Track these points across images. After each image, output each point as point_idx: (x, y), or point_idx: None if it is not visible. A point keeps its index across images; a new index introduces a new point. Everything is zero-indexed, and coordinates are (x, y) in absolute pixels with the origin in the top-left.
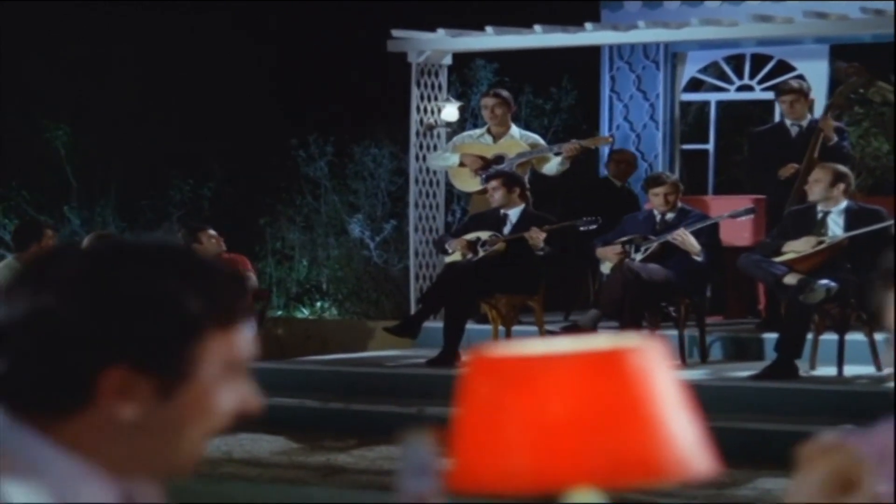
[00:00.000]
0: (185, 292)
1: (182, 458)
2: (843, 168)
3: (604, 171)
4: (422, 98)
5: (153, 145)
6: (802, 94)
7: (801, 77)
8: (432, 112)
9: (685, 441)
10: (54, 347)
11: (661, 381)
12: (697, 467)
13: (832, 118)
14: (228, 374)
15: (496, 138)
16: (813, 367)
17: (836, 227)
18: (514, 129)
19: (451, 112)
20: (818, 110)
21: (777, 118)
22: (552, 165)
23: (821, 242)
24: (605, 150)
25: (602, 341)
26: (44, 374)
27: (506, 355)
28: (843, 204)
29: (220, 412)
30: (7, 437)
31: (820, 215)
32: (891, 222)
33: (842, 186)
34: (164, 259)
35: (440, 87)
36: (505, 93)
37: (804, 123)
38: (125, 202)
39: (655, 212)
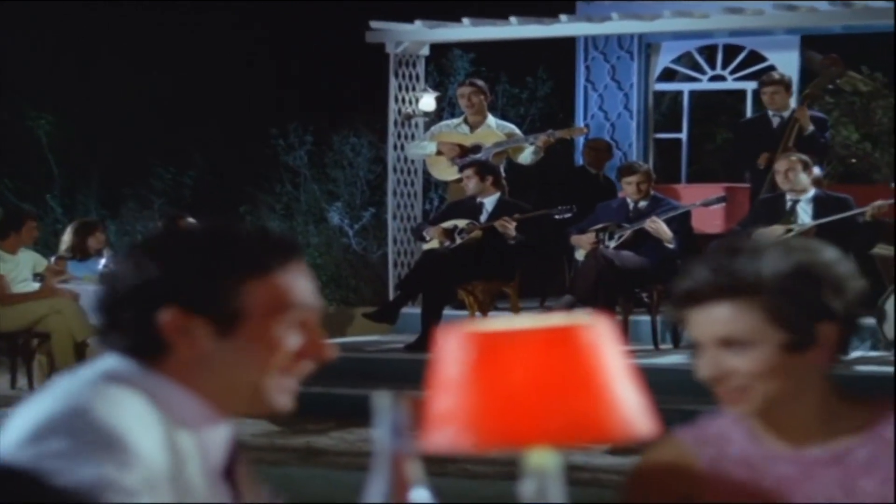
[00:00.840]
0: (219, 247)
1: (251, 394)
2: (804, 157)
3: (580, 160)
4: (400, 88)
5: (135, 134)
6: (784, 86)
7: (772, 67)
8: (410, 102)
9: (629, 406)
10: (125, 300)
11: (609, 353)
12: (640, 429)
13: (807, 108)
14: (281, 315)
15: (473, 128)
16: None
17: (804, 214)
18: (491, 119)
19: (428, 102)
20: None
21: (749, 108)
22: (527, 155)
23: (789, 230)
24: (581, 140)
25: (558, 319)
26: (123, 325)
27: (475, 331)
28: (812, 192)
29: (280, 349)
30: (132, 375)
31: (789, 204)
32: (858, 211)
33: (806, 175)
34: (204, 228)
35: (418, 78)
36: (481, 82)
37: (785, 114)
38: (107, 190)
39: (628, 200)
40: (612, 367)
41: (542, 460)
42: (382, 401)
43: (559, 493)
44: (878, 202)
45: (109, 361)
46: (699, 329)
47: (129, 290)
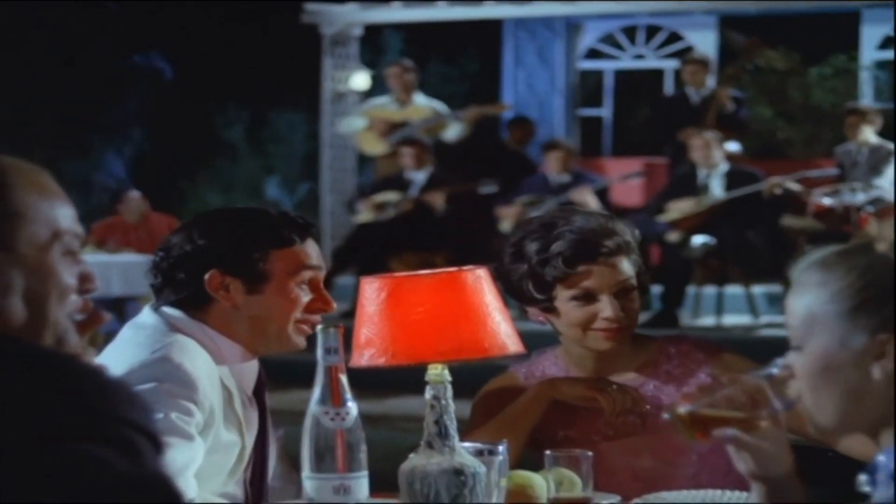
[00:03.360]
0: (252, 225)
1: (275, 337)
2: (718, 134)
3: (504, 136)
4: (333, 67)
5: (75, 110)
6: (704, 65)
7: (690, 47)
8: (343, 80)
9: (502, 330)
10: (178, 265)
11: (487, 292)
12: (510, 348)
13: (727, 87)
14: (297, 277)
15: (401, 105)
16: (696, 316)
17: (717, 188)
18: (419, 97)
19: (361, 80)
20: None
21: (669, 85)
22: (453, 131)
23: (701, 202)
24: (507, 117)
25: (448, 268)
26: (177, 283)
27: (386, 277)
28: (725, 167)
29: (296, 303)
30: (190, 326)
31: (702, 178)
32: (759, 185)
33: (719, 151)
34: (242, 210)
35: (351, 57)
36: (408, 62)
37: (703, 92)
38: (48, 165)
39: (551, 174)
40: (489, 302)
41: (438, 373)
42: (321, 330)
43: (450, 398)
44: (774, 179)
45: (165, 312)
46: (602, 279)
47: (183, 255)
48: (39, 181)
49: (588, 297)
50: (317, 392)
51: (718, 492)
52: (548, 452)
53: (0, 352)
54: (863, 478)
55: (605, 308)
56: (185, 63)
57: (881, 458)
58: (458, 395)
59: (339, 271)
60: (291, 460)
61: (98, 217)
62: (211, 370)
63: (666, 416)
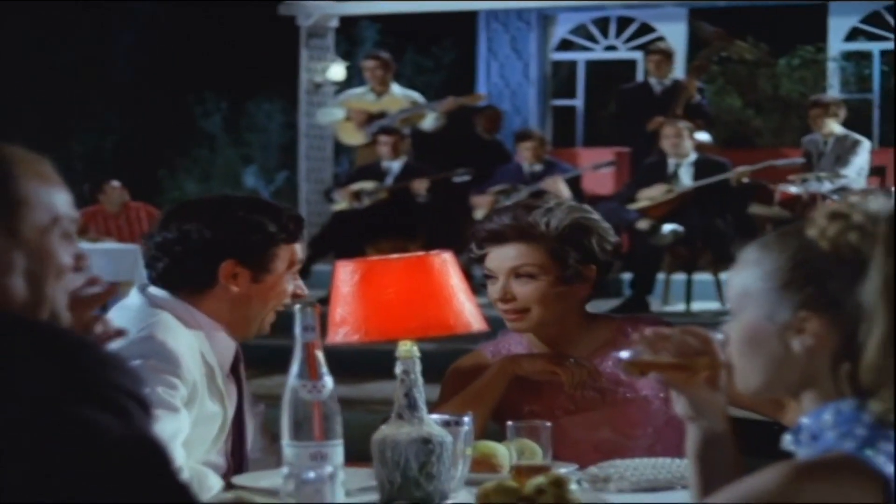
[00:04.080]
0: (266, 220)
1: (258, 323)
2: (689, 124)
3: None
4: (310, 59)
5: (57, 100)
6: (667, 56)
7: (661, 38)
8: (320, 71)
9: (466, 310)
10: (194, 251)
11: (452, 275)
12: (473, 326)
13: (695, 78)
14: (292, 270)
15: (379, 96)
16: (666, 302)
17: (686, 177)
18: (396, 88)
19: (337, 71)
20: (677, 68)
21: (640, 76)
22: (429, 121)
23: (671, 191)
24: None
25: (418, 252)
26: (189, 268)
27: (359, 261)
28: (693, 157)
29: (285, 295)
30: (174, 306)
31: (672, 167)
32: (727, 174)
33: (689, 141)
34: (253, 201)
35: (327, 49)
36: (385, 54)
37: (667, 82)
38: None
39: (524, 164)
40: (454, 284)
41: (407, 349)
42: (298, 309)
43: (419, 372)
44: (740, 168)
45: (150, 293)
46: (497, 262)
47: (202, 243)
48: (41, 170)
49: (492, 279)
50: (295, 367)
51: (668, 460)
52: (510, 423)
53: (4, 328)
54: (788, 438)
55: (495, 290)
56: (165, 54)
57: (804, 421)
58: (430, 379)
59: (316, 258)
60: (272, 436)
61: (79, 206)
62: (193, 347)
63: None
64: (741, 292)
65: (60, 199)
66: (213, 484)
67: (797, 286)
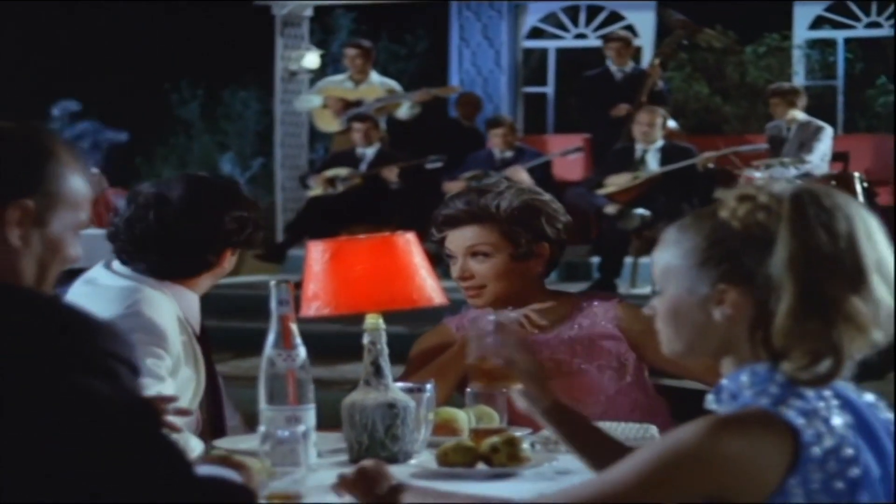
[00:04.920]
0: (252, 210)
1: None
2: (664, 111)
3: (453, 113)
4: (285, 47)
5: (32, 86)
6: (627, 43)
7: (630, 27)
8: (295, 60)
9: (427, 285)
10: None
11: (414, 253)
12: (436, 300)
13: (659, 66)
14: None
15: (357, 84)
16: (633, 285)
17: (653, 162)
18: (374, 76)
19: (312, 59)
20: (646, 56)
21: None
22: (405, 110)
23: (637, 177)
24: (454, 94)
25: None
26: (189, 254)
27: (330, 241)
28: (660, 143)
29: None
30: (143, 278)
31: (639, 153)
32: (692, 160)
33: (664, 128)
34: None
35: (302, 37)
36: (366, 43)
37: (627, 69)
38: None
39: (495, 150)
40: (417, 261)
41: (374, 321)
42: (274, 285)
43: (384, 343)
44: (706, 153)
45: (119, 269)
46: (454, 243)
47: (206, 232)
48: (79, 165)
49: (452, 258)
50: (271, 338)
51: (615, 423)
52: (469, 390)
53: (9, 300)
54: (710, 398)
55: (455, 269)
56: (141, 43)
57: (724, 382)
58: (398, 361)
59: (292, 243)
60: (245, 417)
61: None
62: (174, 318)
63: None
64: (664, 270)
65: (86, 197)
66: (194, 446)
67: (714, 262)
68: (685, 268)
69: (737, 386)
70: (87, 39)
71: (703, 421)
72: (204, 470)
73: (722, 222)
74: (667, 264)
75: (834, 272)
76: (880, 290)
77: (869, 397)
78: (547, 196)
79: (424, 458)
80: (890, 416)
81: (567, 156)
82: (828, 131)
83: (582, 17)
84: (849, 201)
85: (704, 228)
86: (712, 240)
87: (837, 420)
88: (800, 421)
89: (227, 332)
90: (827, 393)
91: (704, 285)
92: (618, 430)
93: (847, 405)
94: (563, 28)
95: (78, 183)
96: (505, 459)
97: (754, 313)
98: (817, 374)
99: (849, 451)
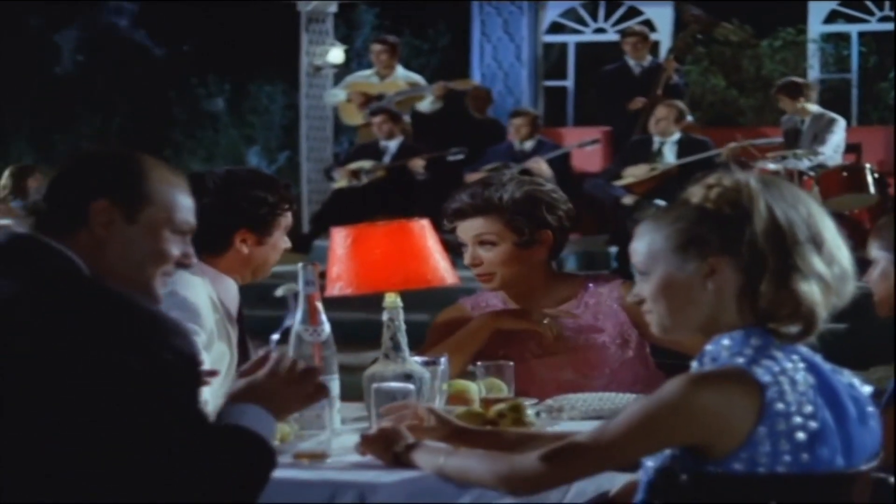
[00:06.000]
0: (280, 192)
1: (260, 274)
2: (682, 105)
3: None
4: (310, 42)
5: (63, 84)
6: (644, 38)
7: (648, 21)
8: (320, 55)
9: (441, 267)
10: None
11: (429, 237)
12: (448, 280)
13: (674, 60)
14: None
15: (382, 78)
16: None
17: (669, 155)
18: (399, 70)
19: (336, 55)
20: (664, 50)
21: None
22: (426, 103)
23: (654, 168)
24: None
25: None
26: (213, 236)
27: (352, 227)
28: (677, 136)
29: (280, 252)
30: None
31: (656, 145)
32: (715, 152)
33: (681, 122)
34: (254, 173)
35: (327, 33)
36: (392, 39)
37: (645, 63)
38: (38, 136)
39: (515, 142)
40: (431, 245)
41: (392, 300)
42: (301, 267)
43: (402, 319)
44: (732, 144)
45: None
46: (464, 233)
47: (218, 216)
48: (170, 177)
49: (464, 247)
50: (298, 315)
51: (614, 394)
52: (479, 364)
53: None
54: (694, 364)
55: (466, 257)
56: (170, 39)
57: (708, 347)
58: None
59: (317, 234)
60: None
61: None
62: (206, 298)
63: None
64: (647, 255)
65: (180, 204)
66: None
67: (699, 240)
68: (670, 249)
69: (718, 350)
70: (115, 36)
71: (682, 377)
72: (234, 411)
73: (696, 206)
74: (650, 250)
75: (803, 239)
76: (840, 255)
77: (831, 366)
78: (548, 186)
79: None
80: (852, 380)
81: (584, 147)
82: (841, 123)
83: (601, 13)
84: (800, 190)
85: (680, 215)
86: (692, 221)
87: (801, 380)
88: (766, 378)
89: (257, 321)
90: (795, 357)
91: (694, 261)
92: (616, 399)
93: (812, 368)
94: (583, 23)
95: (166, 188)
96: (510, 423)
97: (741, 282)
98: (799, 331)
99: (808, 408)
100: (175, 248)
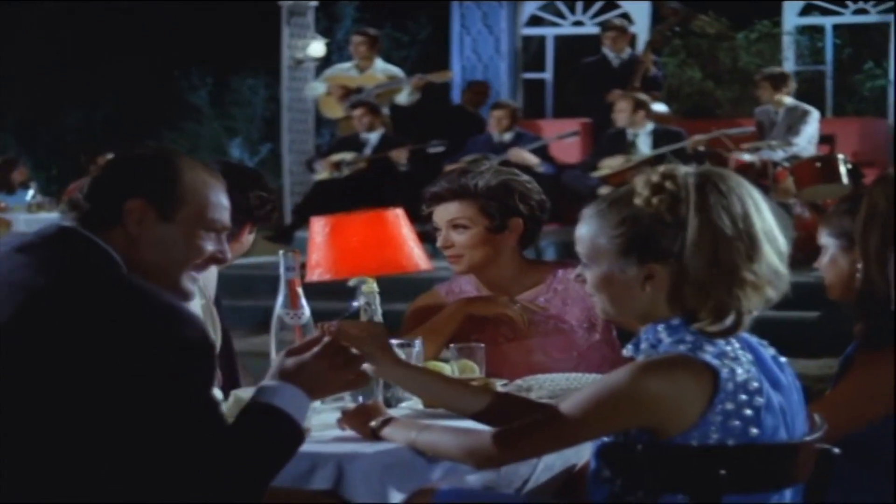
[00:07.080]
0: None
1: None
2: (642, 96)
3: (455, 100)
4: (292, 36)
5: (47, 77)
6: (623, 31)
7: (625, 14)
8: (301, 48)
9: (414, 253)
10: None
11: (404, 226)
12: (422, 266)
13: (651, 52)
14: None
15: (361, 71)
16: None
17: (644, 146)
18: (379, 63)
19: (317, 48)
20: (641, 43)
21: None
22: (404, 96)
23: (629, 160)
24: (458, 81)
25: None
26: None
27: (330, 216)
28: (650, 127)
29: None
30: None
31: (630, 137)
32: (688, 141)
33: (642, 112)
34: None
35: (308, 26)
36: (372, 31)
37: (624, 56)
38: (23, 128)
39: (494, 134)
40: (405, 233)
41: (368, 284)
42: (282, 253)
43: (378, 304)
44: (696, 136)
45: None
46: (439, 217)
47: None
48: (206, 178)
49: (438, 231)
50: (280, 299)
51: (580, 374)
52: (452, 346)
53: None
54: (629, 347)
55: (439, 239)
56: (152, 32)
57: (643, 334)
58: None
59: (299, 225)
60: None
61: (72, 178)
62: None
63: None
64: (591, 248)
65: (214, 203)
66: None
67: (637, 248)
68: (613, 252)
69: (655, 336)
70: (97, 30)
71: (632, 365)
72: (269, 390)
73: (637, 211)
74: (594, 243)
75: (733, 246)
76: (770, 255)
77: (757, 338)
78: (524, 177)
79: (413, 402)
80: (772, 351)
81: (562, 139)
82: (814, 115)
83: (579, 6)
84: (740, 182)
85: (624, 218)
86: (634, 227)
87: (743, 359)
88: (716, 362)
89: (240, 310)
90: (731, 338)
91: (634, 266)
92: (582, 379)
93: (747, 346)
94: (561, 16)
95: (200, 188)
96: None
97: (672, 283)
98: (723, 328)
99: (754, 384)
100: (209, 246)
